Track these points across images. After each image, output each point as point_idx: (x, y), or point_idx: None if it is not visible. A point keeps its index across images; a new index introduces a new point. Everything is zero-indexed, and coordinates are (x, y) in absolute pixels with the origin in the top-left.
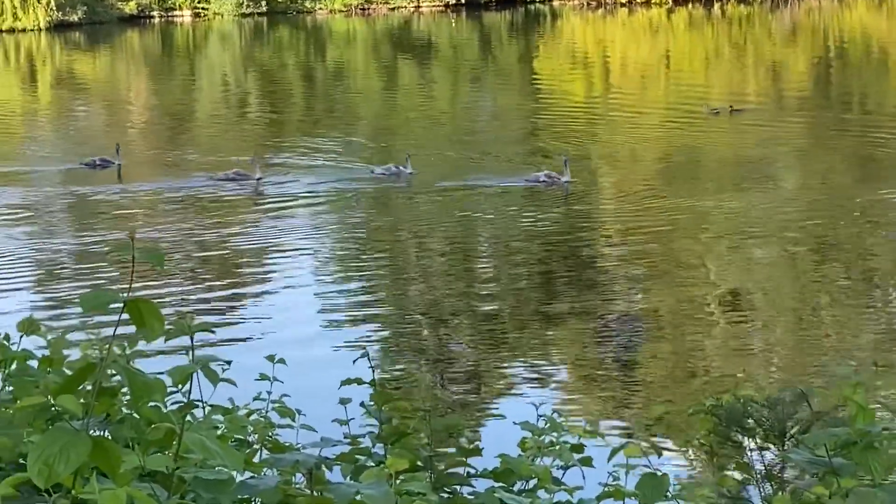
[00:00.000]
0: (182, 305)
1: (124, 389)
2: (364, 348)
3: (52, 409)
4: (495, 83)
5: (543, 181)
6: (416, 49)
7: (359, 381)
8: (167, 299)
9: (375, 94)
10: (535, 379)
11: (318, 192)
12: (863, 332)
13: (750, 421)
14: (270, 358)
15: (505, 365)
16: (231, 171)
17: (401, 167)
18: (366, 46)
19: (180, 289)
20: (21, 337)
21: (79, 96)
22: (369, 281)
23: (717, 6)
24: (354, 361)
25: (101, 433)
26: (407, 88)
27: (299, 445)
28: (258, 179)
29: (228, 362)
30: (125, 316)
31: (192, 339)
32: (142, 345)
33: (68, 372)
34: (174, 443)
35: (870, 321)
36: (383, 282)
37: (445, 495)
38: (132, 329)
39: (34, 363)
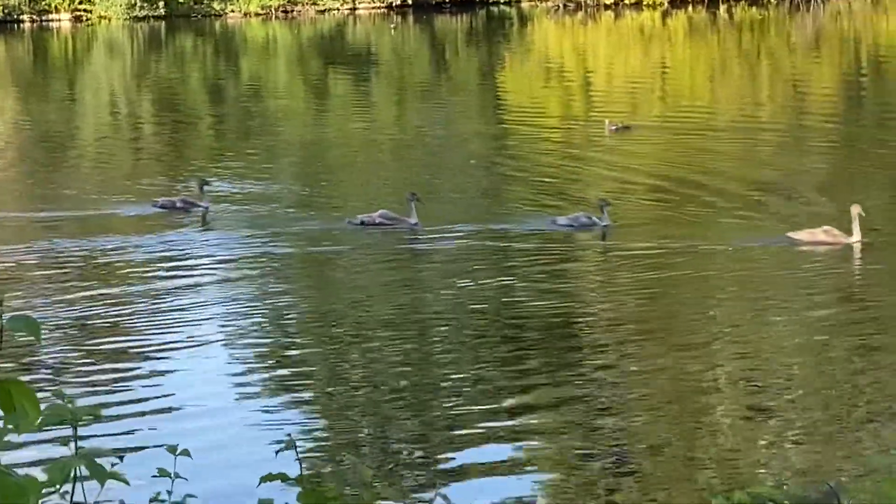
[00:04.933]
0: (62, 383)
1: None
2: (289, 436)
3: None
4: (449, 104)
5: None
6: (351, 61)
7: (282, 478)
8: (43, 376)
9: (300, 118)
10: (502, 471)
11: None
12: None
13: None
14: (172, 449)
15: (464, 453)
16: (176, 199)
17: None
18: (288, 58)
19: (60, 362)
20: None
21: None
22: (299, 350)
23: (722, 9)
24: (277, 454)
25: None
26: (340, 111)
27: None
28: (206, 208)
29: (120, 455)
30: None
31: (74, 426)
32: (11, 436)
33: None
34: None
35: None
36: (317, 352)
37: None
38: None
39: None
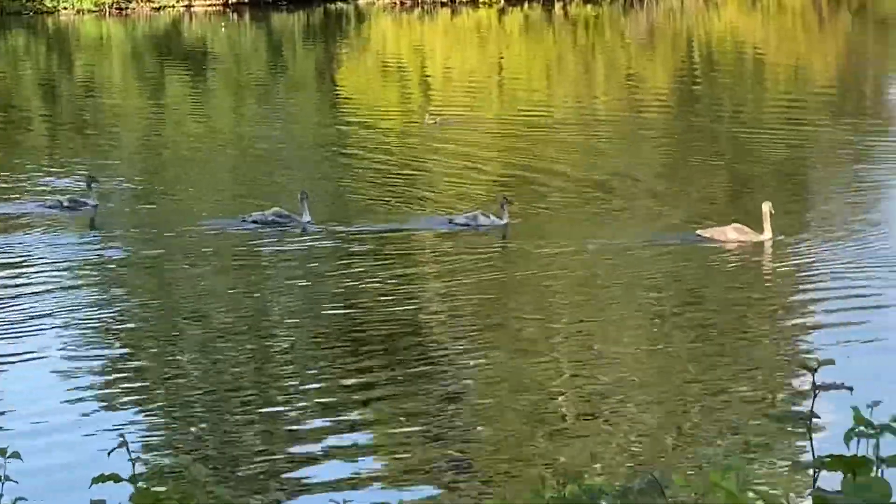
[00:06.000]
0: None
1: None
2: (122, 437)
3: None
4: (287, 101)
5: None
6: (188, 58)
7: (115, 479)
8: None
9: (138, 117)
10: (334, 473)
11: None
12: (734, 405)
13: None
14: (1, 452)
15: (303, 455)
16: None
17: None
18: (123, 55)
19: None
20: None
21: None
22: (145, 352)
23: (558, 6)
24: (109, 454)
25: None
26: (176, 109)
27: None
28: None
29: None
30: None
31: None
32: None
33: None
34: None
35: (742, 392)
36: (161, 355)
37: None
38: None
39: None
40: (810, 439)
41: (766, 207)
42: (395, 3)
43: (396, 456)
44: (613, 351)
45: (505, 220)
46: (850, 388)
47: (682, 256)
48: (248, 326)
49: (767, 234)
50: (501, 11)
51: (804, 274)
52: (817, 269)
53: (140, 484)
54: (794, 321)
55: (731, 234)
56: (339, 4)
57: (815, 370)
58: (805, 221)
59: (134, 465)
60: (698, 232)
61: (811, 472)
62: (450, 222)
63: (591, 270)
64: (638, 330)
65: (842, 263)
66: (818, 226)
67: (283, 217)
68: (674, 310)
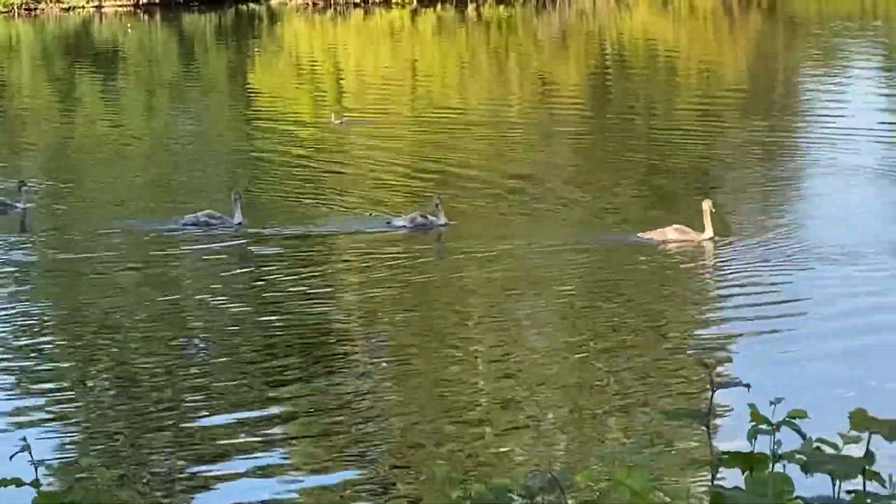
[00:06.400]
0: None
1: None
2: (25, 440)
3: None
4: (199, 102)
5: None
6: (99, 60)
7: (17, 483)
8: None
9: (49, 118)
10: (242, 473)
11: None
12: (643, 403)
13: None
14: None
15: (210, 456)
16: None
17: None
18: (32, 56)
19: None
20: None
21: None
22: (46, 351)
23: (471, 7)
24: (11, 458)
25: None
26: (89, 110)
27: None
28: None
29: None
30: None
31: None
32: None
33: None
34: None
35: (650, 391)
36: (64, 352)
37: None
38: None
39: None
40: (709, 436)
41: (707, 206)
42: (307, 3)
43: (304, 455)
44: (529, 351)
45: (443, 221)
46: (748, 385)
47: (618, 257)
48: (166, 329)
49: (709, 233)
50: (414, 12)
51: (734, 273)
52: (750, 268)
53: (42, 488)
54: (713, 320)
55: (672, 234)
56: (252, 5)
57: (712, 368)
58: (734, 220)
59: (37, 468)
60: (639, 234)
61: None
62: (388, 224)
63: (526, 272)
64: (557, 330)
65: (774, 261)
66: (749, 224)
67: (216, 219)
68: (596, 310)
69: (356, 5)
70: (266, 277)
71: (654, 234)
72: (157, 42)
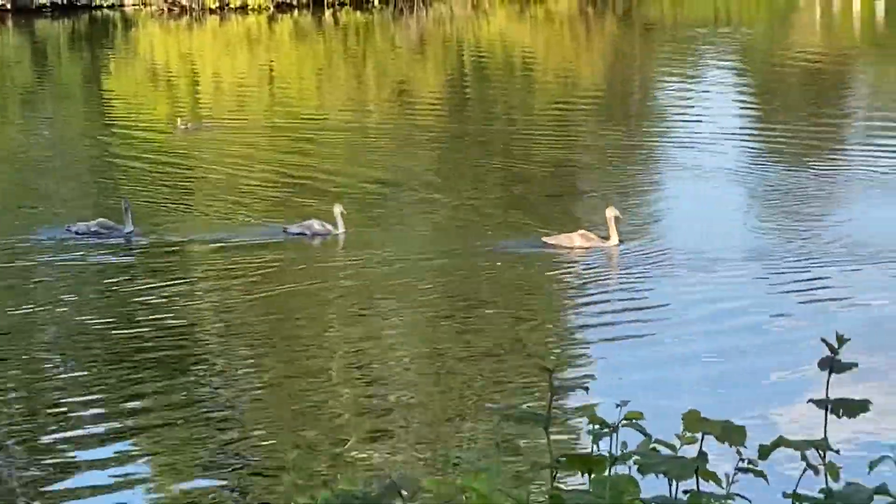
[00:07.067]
0: None
1: None
2: None
3: None
4: (56, 109)
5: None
6: None
7: None
8: None
9: None
10: (101, 481)
11: None
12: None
13: None
14: None
15: (70, 465)
16: None
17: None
18: None
19: None
20: None
21: None
22: None
23: (328, 13)
24: None
25: None
26: None
27: None
28: None
29: None
30: None
31: None
32: None
33: None
34: None
35: (506, 394)
36: None
37: None
38: None
39: None
40: (548, 439)
41: (611, 213)
42: (162, 10)
43: (162, 465)
44: (395, 360)
45: (341, 229)
46: (586, 388)
47: (519, 264)
48: (34, 339)
49: (614, 240)
50: (271, 18)
51: (605, 279)
52: (622, 274)
53: None
54: (576, 327)
55: (578, 240)
56: (106, 11)
57: (552, 371)
58: (597, 225)
59: None
60: (544, 239)
61: (551, 471)
62: (284, 231)
63: (414, 279)
64: (425, 339)
65: (640, 267)
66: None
67: (107, 227)
68: (466, 318)
69: (212, 11)
70: (141, 287)
71: (560, 240)
72: (10, 48)
